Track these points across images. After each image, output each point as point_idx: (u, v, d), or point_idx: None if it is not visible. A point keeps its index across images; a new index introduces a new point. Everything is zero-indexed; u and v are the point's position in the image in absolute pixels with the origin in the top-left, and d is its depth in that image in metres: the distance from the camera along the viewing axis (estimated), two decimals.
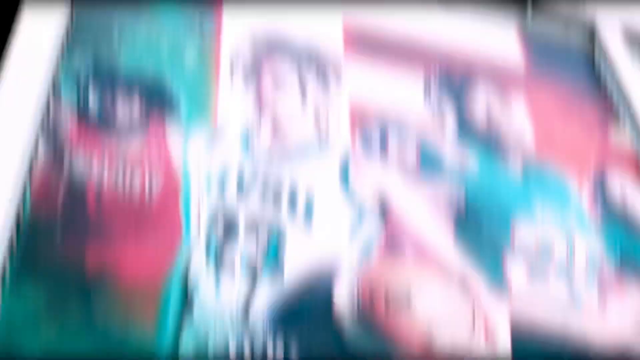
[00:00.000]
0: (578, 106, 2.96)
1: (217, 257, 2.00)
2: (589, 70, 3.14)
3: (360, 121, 2.51)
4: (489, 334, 2.04)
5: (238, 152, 2.27)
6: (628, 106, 2.96)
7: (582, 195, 2.61)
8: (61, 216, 1.97)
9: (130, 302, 1.87)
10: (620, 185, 2.70)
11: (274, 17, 2.74)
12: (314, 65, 2.58)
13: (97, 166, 2.09)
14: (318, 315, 1.97)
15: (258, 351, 1.89)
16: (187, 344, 1.86)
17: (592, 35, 3.25)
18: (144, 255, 1.96)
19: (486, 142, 2.63)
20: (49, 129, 2.12)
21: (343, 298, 1.99)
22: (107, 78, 2.32)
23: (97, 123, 2.21)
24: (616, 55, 3.16)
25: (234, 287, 1.96)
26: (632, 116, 2.93)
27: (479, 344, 2.01)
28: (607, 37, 3.22)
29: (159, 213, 2.06)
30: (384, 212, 2.22)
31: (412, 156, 2.47)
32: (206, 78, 2.46)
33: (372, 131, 2.50)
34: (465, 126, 2.66)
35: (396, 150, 2.47)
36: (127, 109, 2.28)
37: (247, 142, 2.30)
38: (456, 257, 2.22)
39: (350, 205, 2.20)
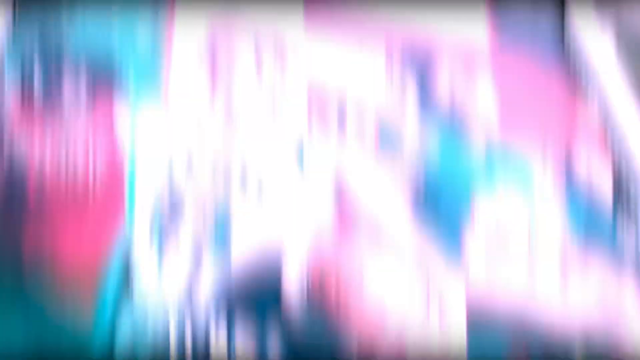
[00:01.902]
0: (545, 82, 2.92)
1: (161, 239, 1.93)
2: (557, 46, 3.09)
3: (317, 99, 2.46)
4: (444, 315, 1.98)
5: (188, 132, 2.20)
6: (596, 82, 2.92)
7: (546, 172, 2.56)
8: None
9: (67, 288, 1.81)
10: (587, 162, 2.65)
11: None
12: (271, 43, 2.51)
13: (39, 146, 2.03)
14: (265, 299, 1.91)
15: (201, 336, 1.82)
16: (125, 331, 1.79)
17: (561, 9, 3.21)
18: (84, 238, 1.90)
19: (448, 120, 2.57)
20: None
21: (292, 280, 1.92)
22: (53, 57, 2.26)
23: (41, 102, 2.15)
24: (585, 29, 3.11)
25: (177, 269, 1.89)
26: (600, 92, 2.89)
27: (434, 326, 1.95)
28: (577, 12, 3.18)
29: (102, 194, 1.99)
30: (339, 192, 2.15)
31: (370, 135, 2.41)
32: (157, 56, 2.39)
33: (330, 110, 2.44)
34: (427, 104, 2.60)
35: (354, 129, 2.41)
36: (73, 89, 2.22)
37: (198, 121, 2.23)
38: (413, 237, 2.16)
39: (304, 185, 2.13)
